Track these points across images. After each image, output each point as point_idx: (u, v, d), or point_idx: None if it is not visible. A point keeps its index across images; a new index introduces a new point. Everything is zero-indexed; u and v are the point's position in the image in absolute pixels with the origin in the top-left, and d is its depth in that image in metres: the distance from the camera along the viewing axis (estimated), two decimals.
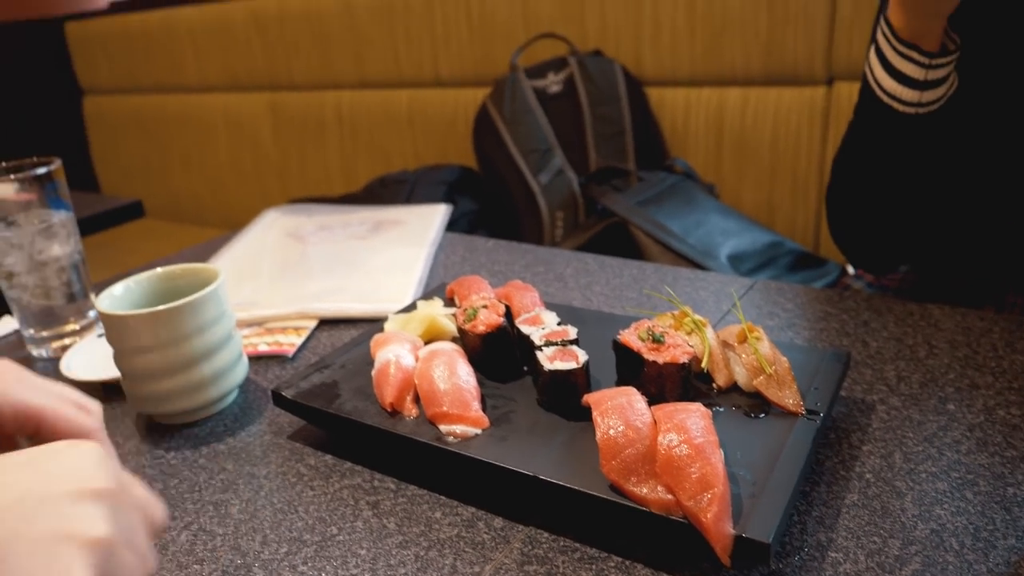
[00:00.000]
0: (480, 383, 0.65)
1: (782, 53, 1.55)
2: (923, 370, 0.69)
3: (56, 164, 0.90)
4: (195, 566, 0.54)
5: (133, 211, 1.74)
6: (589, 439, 0.53)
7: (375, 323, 0.83)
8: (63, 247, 0.91)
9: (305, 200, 1.80)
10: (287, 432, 0.70)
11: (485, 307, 0.68)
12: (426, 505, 0.58)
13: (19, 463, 0.34)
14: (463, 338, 0.69)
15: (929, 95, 0.80)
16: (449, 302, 0.81)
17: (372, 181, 1.89)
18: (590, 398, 0.55)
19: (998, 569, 0.47)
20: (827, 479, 0.56)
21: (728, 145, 1.65)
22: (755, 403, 0.59)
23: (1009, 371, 0.68)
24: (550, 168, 1.61)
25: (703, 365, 0.61)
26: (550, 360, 0.60)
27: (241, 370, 0.75)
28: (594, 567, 0.50)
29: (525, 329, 0.66)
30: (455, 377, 0.62)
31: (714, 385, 0.61)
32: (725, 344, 0.63)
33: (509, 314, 0.70)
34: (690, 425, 0.50)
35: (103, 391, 0.79)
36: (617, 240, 1.37)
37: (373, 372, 0.66)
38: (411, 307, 0.80)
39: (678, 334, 0.61)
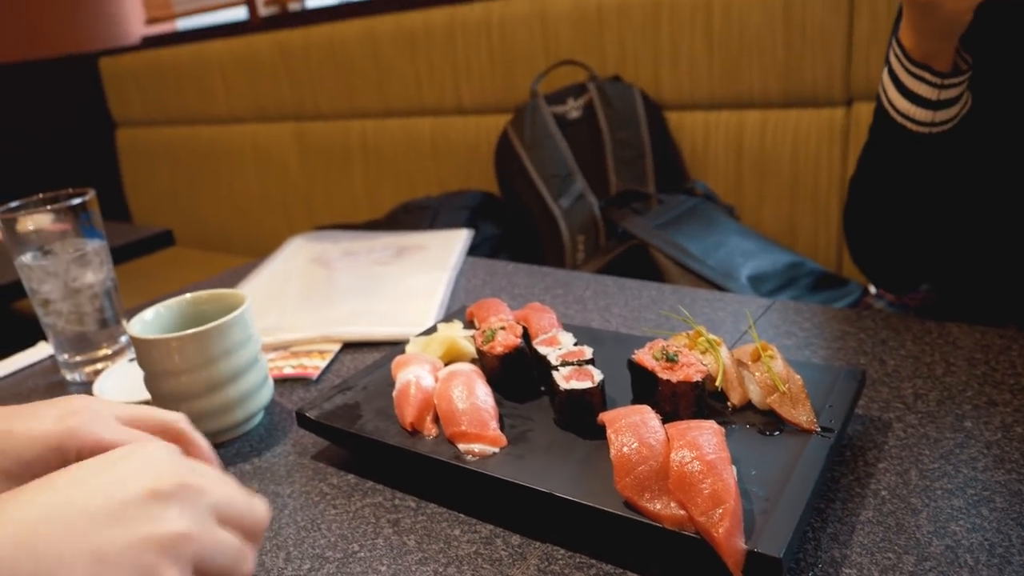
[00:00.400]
0: (498, 403, 0.66)
1: (800, 75, 1.56)
2: (940, 388, 0.70)
3: (90, 195, 0.93)
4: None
5: (163, 240, 1.78)
6: (604, 457, 0.54)
7: (397, 346, 0.85)
8: (96, 274, 0.94)
9: (330, 227, 1.83)
10: (311, 452, 0.72)
11: (503, 328, 0.70)
12: (445, 523, 0.59)
13: (90, 472, 0.37)
14: (482, 359, 0.71)
15: (942, 115, 0.81)
16: (469, 324, 0.83)
17: (396, 207, 1.92)
18: (605, 416, 0.56)
19: None
20: (842, 496, 0.57)
21: (748, 167, 1.66)
22: (769, 421, 0.60)
23: None
24: (571, 192, 1.63)
25: (717, 384, 0.62)
26: (566, 380, 0.62)
27: (267, 392, 0.77)
28: None
29: (542, 350, 0.67)
30: (473, 397, 0.63)
31: (728, 403, 0.62)
32: (739, 363, 0.63)
33: (527, 335, 0.71)
34: (702, 442, 0.51)
35: None
36: (638, 262, 1.38)
37: (394, 393, 0.68)
38: (432, 330, 0.82)
39: (692, 353, 0.62)
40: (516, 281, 1.09)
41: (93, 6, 3.01)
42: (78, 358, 0.95)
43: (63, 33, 2.95)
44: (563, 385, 0.61)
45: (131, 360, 0.93)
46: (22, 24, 2.90)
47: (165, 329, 0.76)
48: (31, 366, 1.01)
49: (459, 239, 1.28)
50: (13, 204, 0.92)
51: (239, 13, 2.75)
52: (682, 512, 0.49)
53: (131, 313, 0.78)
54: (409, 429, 0.64)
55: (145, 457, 0.38)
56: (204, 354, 0.71)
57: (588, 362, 0.64)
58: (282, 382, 0.86)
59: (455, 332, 0.77)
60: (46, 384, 0.95)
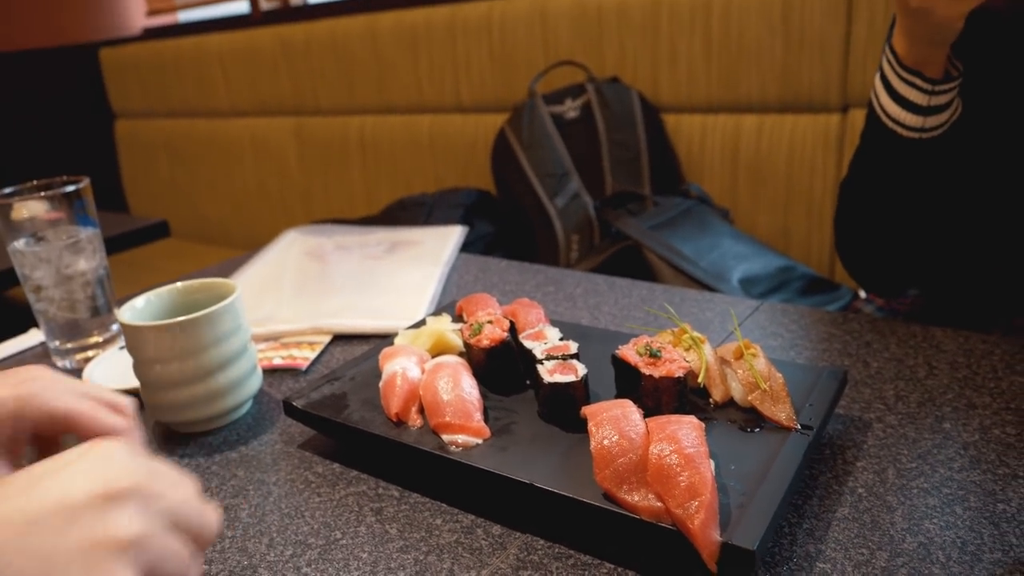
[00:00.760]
0: (484, 396, 0.67)
1: (797, 81, 1.57)
2: (922, 390, 0.70)
3: (84, 183, 0.94)
4: (204, 566, 0.56)
5: (159, 231, 1.79)
6: (586, 450, 0.55)
7: (386, 338, 0.86)
8: (89, 262, 0.94)
9: (325, 221, 1.84)
10: (297, 441, 0.72)
11: (490, 323, 0.70)
12: (428, 512, 0.60)
13: (41, 475, 0.35)
14: (469, 352, 0.71)
15: (932, 120, 0.82)
16: (458, 318, 0.83)
17: (391, 204, 1.93)
18: (587, 410, 0.57)
19: None
20: (820, 493, 0.57)
21: (744, 171, 1.67)
22: (750, 418, 0.60)
23: (1008, 392, 0.69)
24: (566, 192, 1.63)
25: (700, 380, 0.62)
26: (550, 373, 0.62)
27: (255, 381, 0.78)
28: (587, 573, 0.52)
29: (528, 344, 0.68)
30: (458, 389, 0.64)
31: (711, 400, 0.63)
32: (723, 360, 0.64)
33: (513, 330, 0.72)
34: (681, 436, 0.51)
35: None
36: (630, 263, 1.39)
37: (380, 384, 0.68)
38: (421, 323, 0.83)
39: (676, 350, 0.62)
40: (508, 278, 1.10)
41: None
42: (69, 345, 0.95)
43: (65, 23, 2.96)
44: (547, 379, 0.62)
45: (121, 348, 0.93)
46: (24, 13, 2.90)
47: (155, 317, 0.77)
48: (22, 352, 1.01)
49: (453, 235, 1.28)
50: (7, 190, 0.92)
51: (241, 6, 2.75)
52: (659, 504, 0.49)
53: (123, 302, 0.78)
54: (394, 419, 0.65)
55: (99, 457, 0.37)
56: (193, 342, 0.71)
57: (573, 357, 0.65)
58: (272, 372, 0.87)
59: (443, 325, 0.78)
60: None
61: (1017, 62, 0.82)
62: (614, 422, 0.54)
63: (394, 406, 0.65)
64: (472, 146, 2.06)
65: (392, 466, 0.66)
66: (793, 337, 0.83)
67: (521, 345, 0.69)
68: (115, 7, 3.05)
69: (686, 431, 0.52)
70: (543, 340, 0.68)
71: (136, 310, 0.76)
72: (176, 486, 0.39)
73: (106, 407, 0.46)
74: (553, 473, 0.56)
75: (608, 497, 0.52)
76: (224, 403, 0.74)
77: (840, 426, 0.66)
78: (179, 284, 0.79)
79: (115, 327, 0.98)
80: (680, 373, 0.59)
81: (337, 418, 0.67)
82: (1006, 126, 0.84)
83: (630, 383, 0.61)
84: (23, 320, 1.04)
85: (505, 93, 1.97)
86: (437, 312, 0.86)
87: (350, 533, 0.58)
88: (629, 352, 0.62)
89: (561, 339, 0.68)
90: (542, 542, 0.55)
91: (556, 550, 0.54)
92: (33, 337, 1.04)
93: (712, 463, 0.52)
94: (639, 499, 0.50)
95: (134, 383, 0.77)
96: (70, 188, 0.92)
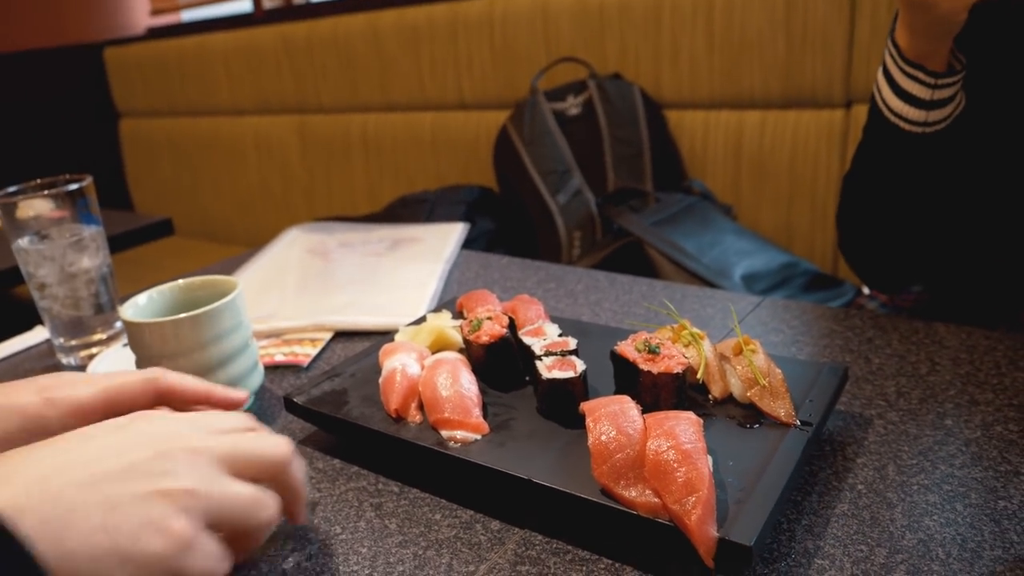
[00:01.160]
0: (483, 392, 0.67)
1: (800, 76, 1.57)
2: (923, 386, 0.70)
3: (87, 181, 0.94)
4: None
5: (163, 229, 1.79)
6: (584, 445, 0.55)
7: (387, 335, 0.86)
8: (92, 260, 0.94)
9: (327, 219, 1.84)
10: (298, 437, 0.72)
11: (489, 319, 0.70)
12: (427, 507, 0.60)
13: (94, 434, 0.39)
14: (468, 348, 0.71)
15: (935, 115, 0.81)
16: (458, 315, 0.84)
17: (394, 201, 1.93)
18: (585, 406, 0.57)
19: None
20: (819, 489, 0.57)
21: (746, 167, 1.67)
22: (749, 414, 0.60)
23: (1010, 388, 0.68)
24: (568, 188, 1.63)
25: (699, 376, 0.62)
26: (549, 369, 0.62)
27: (256, 378, 0.78)
28: (584, 568, 0.52)
29: (527, 340, 0.68)
30: (457, 385, 0.64)
31: (710, 396, 0.63)
32: (722, 356, 0.64)
33: (513, 326, 0.72)
34: (679, 431, 0.51)
35: None
36: (632, 259, 1.39)
37: (380, 380, 0.68)
38: (421, 319, 0.83)
39: (674, 346, 0.62)
40: (509, 274, 1.10)
41: None
42: (73, 342, 0.95)
43: (69, 23, 2.96)
44: (545, 375, 0.62)
45: (125, 345, 0.94)
46: (29, 14, 2.91)
47: (158, 314, 0.77)
48: (27, 349, 1.02)
49: (454, 232, 1.28)
50: (11, 189, 0.92)
51: (244, 5, 2.76)
52: (657, 500, 0.49)
53: (127, 299, 0.78)
54: (394, 415, 0.65)
55: (150, 424, 0.40)
56: (195, 338, 0.71)
57: (572, 353, 0.65)
58: (273, 369, 0.87)
59: (443, 322, 0.78)
60: (42, 367, 0.96)
61: (1020, 54, 0.82)
62: (612, 418, 0.54)
63: (393, 402, 0.65)
64: (474, 143, 2.06)
65: (392, 462, 0.66)
66: (794, 333, 0.83)
67: (520, 341, 0.69)
68: (119, 7, 3.05)
69: (684, 427, 0.52)
70: (542, 336, 0.68)
71: (138, 307, 0.76)
72: (224, 434, 0.42)
73: (139, 391, 0.49)
74: (551, 469, 0.56)
75: (606, 493, 0.52)
76: None
77: (841, 422, 0.66)
78: (181, 281, 0.80)
79: (118, 324, 0.98)
80: (679, 369, 0.59)
81: (337, 414, 0.67)
82: (1010, 119, 0.84)
83: (629, 379, 0.61)
84: (28, 317, 1.05)
85: (507, 90, 1.97)
86: (438, 309, 0.86)
87: (350, 528, 0.58)
88: (628, 348, 0.62)
89: (560, 335, 0.68)
90: (540, 537, 0.55)
91: (554, 545, 0.54)
92: (38, 334, 1.04)
93: (710, 459, 0.51)
94: (636, 495, 0.50)
95: None
96: (73, 186, 0.92)
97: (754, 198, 1.67)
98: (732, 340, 0.65)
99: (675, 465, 0.49)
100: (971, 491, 0.56)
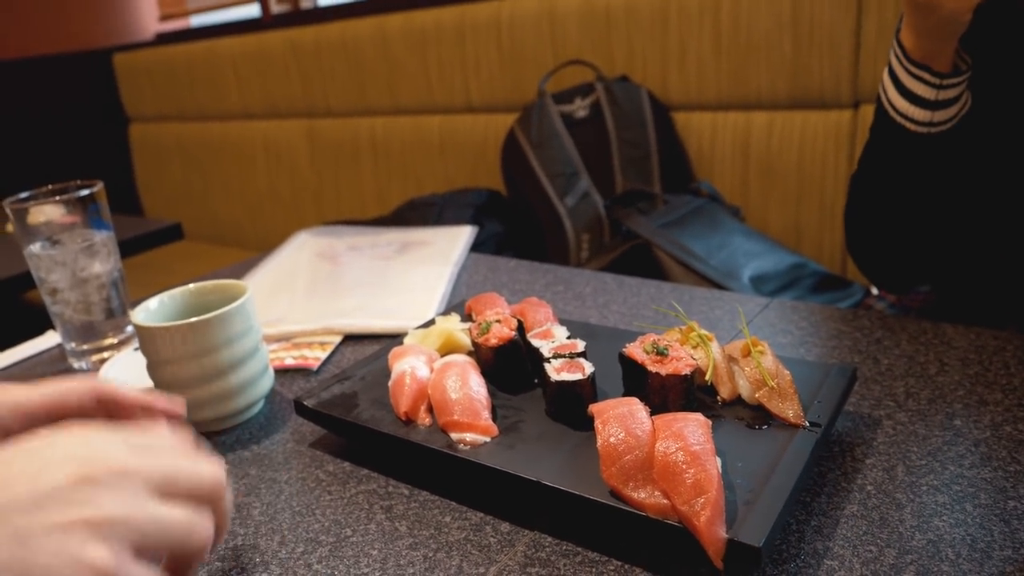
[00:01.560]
0: (492, 394, 0.67)
1: (808, 77, 1.56)
2: (932, 387, 0.70)
3: (98, 186, 0.95)
4: (216, 563, 0.57)
5: (173, 233, 1.80)
6: (593, 447, 0.55)
7: (396, 338, 0.86)
8: (104, 265, 0.95)
9: (336, 223, 1.85)
10: (309, 440, 0.73)
11: (498, 322, 0.71)
12: (437, 510, 0.60)
13: (12, 457, 0.35)
14: (477, 351, 0.72)
15: (941, 115, 0.81)
16: (467, 318, 0.84)
17: (402, 204, 1.93)
18: (594, 408, 0.57)
19: None
20: (828, 490, 0.57)
21: (754, 168, 1.67)
22: (757, 415, 0.60)
23: (1020, 388, 0.68)
24: (576, 191, 1.63)
25: (707, 378, 0.62)
26: (557, 372, 0.62)
27: (267, 382, 0.78)
28: (594, 570, 0.52)
29: (536, 342, 0.68)
30: (467, 388, 0.64)
31: (718, 397, 0.63)
32: (730, 358, 0.64)
33: (521, 328, 0.72)
34: (687, 433, 0.52)
35: None
36: (641, 261, 1.39)
37: (389, 383, 0.69)
38: (431, 322, 0.83)
39: (683, 348, 0.62)
40: (517, 277, 1.10)
41: (107, 2, 3.04)
42: (85, 347, 0.96)
43: (78, 29, 2.99)
44: (554, 377, 0.62)
45: (136, 349, 0.94)
46: (38, 20, 2.93)
47: (168, 318, 0.78)
48: (39, 354, 1.03)
49: (462, 235, 1.29)
50: (23, 195, 0.93)
51: (252, 10, 2.77)
52: (666, 501, 0.49)
53: (138, 304, 0.79)
54: (403, 418, 0.65)
55: (71, 442, 0.36)
56: (205, 343, 0.72)
57: (580, 355, 0.65)
58: (283, 372, 0.88)
59: (452, 325, 0.78)
60: (53, 371, 0.97)
61: None
62: (620, 420, 0.54)
63: (403, 405, 0.65)
64: (482, 146, 2.06)
65: (401, 464, 0.66)
66: (803, 334, 0.83)
67: (529, 344, 0.69)
68: (128, 12, 3.07)
69: (692, 428, 0.52)
70: (551, 339, 0.68)
71: (150, 312, 0.77)
72: (160, 454, 0.38)
73: (75, 403, 0.47)
74: (560, 470, 0.56)
75: (615, 494, 0.52)
76: (236, 403, 0.75)
77: (850, 423, 0.66)
78: (191, 286, 0.80)
79: (129, 329, 0.99)
80: (687, 371, 0.59)
81: (347, 417, 0.67)
82: (1016, 119, 0.84)
83: (637, 381, 0.62)
84: (40, 322, 1.05)
85: (514, 93, 1.97)
86: (447, 312, 0.86)
87: (360, 531, 0.59)
88: (636, 350, 0.62)
89: (569, 338, 0.68)
90: (550, 539, 0.55)
91: (564, 547, 0.54)
92: (49, 339, 1.05)
93: (719, 460, 0.52)
94: (645, 496, 0.50)
95: (148, 383, 0.78)
96: (84, 192, 0.93)
97: (762, 199, 1.67)
98: (740, 341, 0.66)
99: (684, 466, 0.49)
100: (980, 491, 0.56)
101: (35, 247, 0.93)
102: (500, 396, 0.68)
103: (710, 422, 0.54)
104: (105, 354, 0.96)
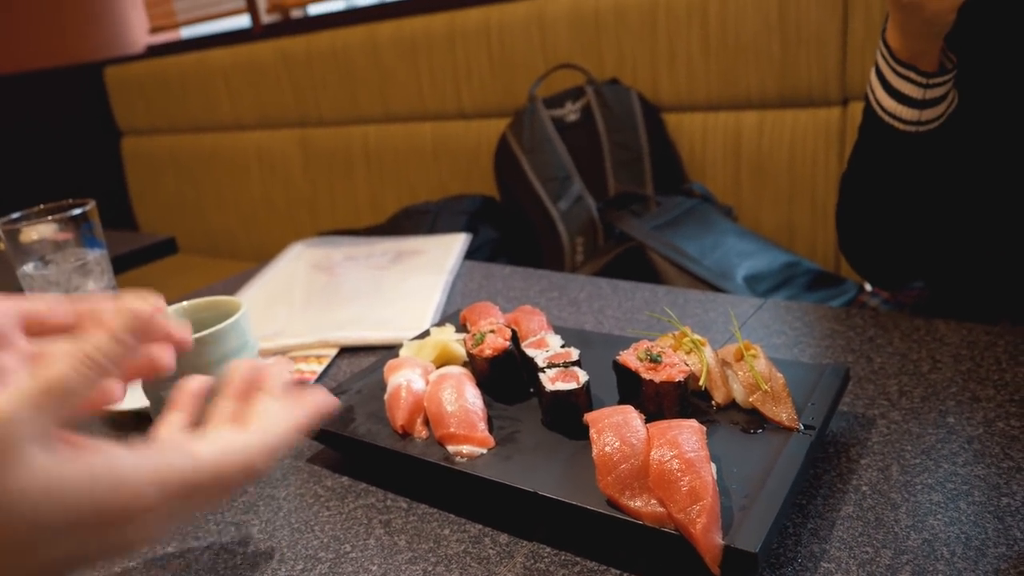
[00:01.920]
0: (488, 405, 0.67)
1: (796, 76, 1.57)
2: (925, 384, 0.70)
3: (90, 205, 0.95)
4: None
5: (167, 248, 1.80)
6: (589, 456, 0.55)
7: (392, 350, 0.86)
8: (98, 283, 0.95)
9: (331, 233, 1.85)
10: (306, 455, 0.73)
11: (492, 332, 0.71)
12: (435, 523, 0.60)
13: None
14: (472, 362, 0.72)
15: (928, 113, 0.82)
16: (462, 328, 0.84)
17: (396, 213, 1.94)
18: (589, 417, 0.57)
19: None
20: (823, 492, 0.58)
21: (746, 168, 1.67)
22: (752, 419, 0.61)
23: (1012, 384, 0.69)
24: (569, 195, 1.64)
25: (701, 383, 0.63)
26: (552, 381, 0.63)
27: None
28: None
29: (530, 352, 0.68)
30: (462, 399, 0.65)
31: (713, 403, 0.63)
32: (724, 362, 0.64)
33: (516, 338, 0.72)
34: (682, 440, 0.52)
35: (134, 419, 0.83)
36: (635, 264, 1.39)
37: (385, 396, 0.69)
38: (426, 334, 0.83)
39: (676, 354, 0.63)
40: (512, 284, 1.11)
41: (98, 16, 3.04)
42: None
43: (69, 43, 2.98)
44: (549, 387, 0.62)
45: None
46: (29, 34, 2.93)
47: None
48: None
49: (457, 243, 1.29)
50: (15, 215, 0.93)
51: (242, 21, 2.77)
52: (662, 509, 0.50)
53: None
54: (400, 432, 0.65)
55: None
56: (200, 360, 0.72)
57: (574, 364, 0.65)
58: None
59: (447, 336, 0.78)
60: None
61: (1010, 51, 0.82)
62: (615, 428, 0.54)
63: (399, 418, 0.65)
64: (475, 152, 2.07)
65: (399, 478, 0.66)
66: (797, 335, 0.83)
67: (524, 353, 0.69)
68: (118, 26, 3.07)
69: (686, 435, 0.53)
70: (545, 348, 0.69)
71: None
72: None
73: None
74: (557, 481, 0.56)
75: (612, 503, 0.52)
76: None
77: (844, 423, 0.66)
78: (185, 303, 0.80)
79: None
80: (680, 377, 0.60)
81: (344, 432, 0.67)
82: (1004, 115, 0.84)
83: (632, 388, 0.62)
84: None
85: (506, 98, 1.98)
86: (442, 322, 0.86)
87: (359, 546, 0.59)
88: (630, 358, 0.62)
89: (563, 346, 0.69)
90: (548, 549, 0.56)
91: (563, 557, 0.55)
92: None
93: (714, 466, 0.52)
94: (642, 505, 0.50)
95: (144, 402, 0.78)
96: (77, 211, 0.93)
97: (754, 198, 1.67)
98: (734, 346, 0.66)
99: (679, 474, 0.50)
100: (974, 489, 0.56)
101: (28, 267, 0.93)
102: (496, 407, 0.68)
103: (705, 428, 0.55)
104: None
